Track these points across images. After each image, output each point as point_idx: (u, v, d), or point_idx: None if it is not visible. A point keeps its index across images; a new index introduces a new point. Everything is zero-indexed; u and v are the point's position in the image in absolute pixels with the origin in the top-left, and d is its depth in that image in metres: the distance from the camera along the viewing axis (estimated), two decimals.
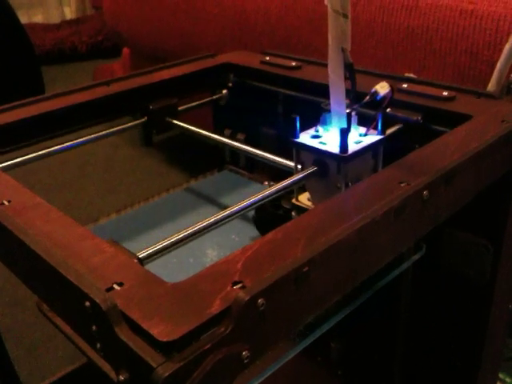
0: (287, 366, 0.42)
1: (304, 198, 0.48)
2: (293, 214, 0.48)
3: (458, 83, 0.54)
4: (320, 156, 0.44)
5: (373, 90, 0.46)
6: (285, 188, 0.44)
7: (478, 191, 0.44)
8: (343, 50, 0.42)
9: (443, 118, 0.49)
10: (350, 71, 0.43)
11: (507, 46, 0.58)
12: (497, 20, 0.70)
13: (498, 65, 0.60)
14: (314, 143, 0.44)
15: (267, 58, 0.66)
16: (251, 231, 0.54)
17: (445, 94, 0.51)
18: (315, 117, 0.46)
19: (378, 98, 0.46)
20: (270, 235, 0.32)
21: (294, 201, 0.48)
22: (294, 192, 0.48)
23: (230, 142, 0.60)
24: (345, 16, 0.40)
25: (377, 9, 0.81)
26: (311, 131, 0.46)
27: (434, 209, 0.39)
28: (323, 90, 0.57)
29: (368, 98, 0.46)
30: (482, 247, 0.51)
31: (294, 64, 0.63)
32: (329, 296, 0.33)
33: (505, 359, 0.75)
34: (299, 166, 0.46)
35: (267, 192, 0.43)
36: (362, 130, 0.46)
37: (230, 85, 0.68)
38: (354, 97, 0.44)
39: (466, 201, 0.43)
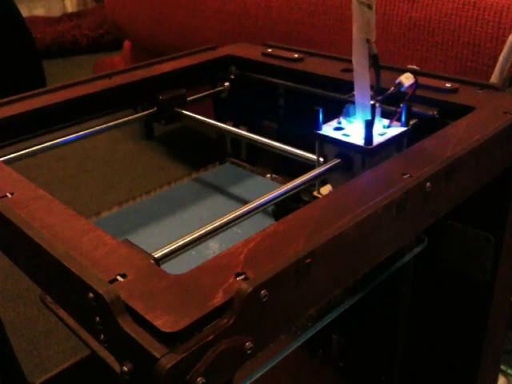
0: (288, 358, 0.42)
1: (326, 191, 0.47)
2: None
3: (460, 76, 0.54)
4: (344, 148, 0.43)
5: (397, 80, 0.45)
6: (308, 181, 0.43)
7: (482, 183, 0.44)
8: (368, 41, 0.41)
9: (446, 109, 0.49)
10: (374, 62, 0.42)
11: (510, 38, 0.58)
12: (500, 12, 0.69)
13: (501, 57, 0.60)
14: (338, 135, 0.44)
15: (269, 50, 0.66)
16: (253, 224, 0.54)
17: (448, 85, 0.51)
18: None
19: (403, 89, 0.45)
20: (271, 227, 0.32)
21: (315, 193, 0.47)
22: (316, 185, 0.47)
23: (248, 134, 0.58)
24: (369, 7, 0.39)
25: (379, 0, 0.81)
26: (333, 123, 0.45)
27: (437, 201, 0.39)
28: (326, 82, 0.57)
29: (393, 89, 0.45)
30: (483, 240, 0.51)
31: (296, 56, 0.63)
32: (330, 288, 0.33)
33: (506, 351, 0.75)
34: (321, 159, 0.45)
35: (289, 186, 0.42)
36: (385, 121, 0.45)
37: (232, 77, 0.67)
38: (379, 88, 0.43)
39: (468, 193, 0.43)
